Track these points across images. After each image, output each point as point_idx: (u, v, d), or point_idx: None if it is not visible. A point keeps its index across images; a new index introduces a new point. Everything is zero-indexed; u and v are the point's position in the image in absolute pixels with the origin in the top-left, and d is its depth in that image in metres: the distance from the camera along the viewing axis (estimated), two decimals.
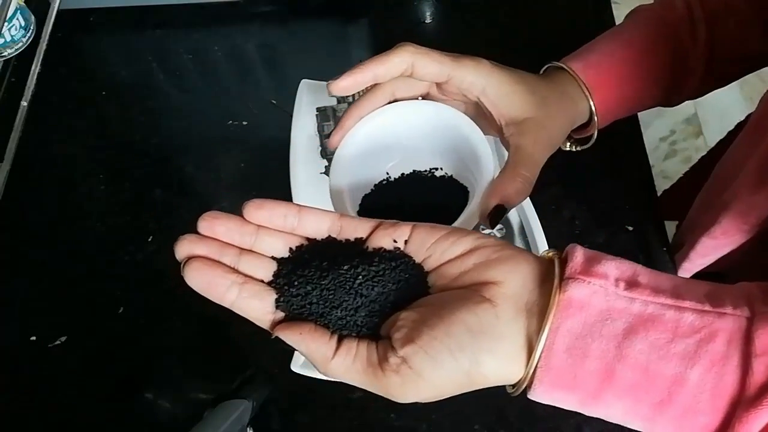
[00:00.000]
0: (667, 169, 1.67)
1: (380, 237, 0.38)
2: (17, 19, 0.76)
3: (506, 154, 0.49)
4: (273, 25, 0.80)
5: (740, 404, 0.32)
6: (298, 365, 0.57)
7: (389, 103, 0.50)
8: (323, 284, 0.36)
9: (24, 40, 0.78)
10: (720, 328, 0.33)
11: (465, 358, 0.33)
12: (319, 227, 0.38)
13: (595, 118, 0.53)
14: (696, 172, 0.85)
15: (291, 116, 0.68)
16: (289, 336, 0.34)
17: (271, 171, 0.69)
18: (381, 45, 0.80)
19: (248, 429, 0.55)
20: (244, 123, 0.73)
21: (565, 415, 0.57)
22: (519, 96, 0.48)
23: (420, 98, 0.51)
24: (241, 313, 0.36)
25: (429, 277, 0.37)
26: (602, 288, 0.34)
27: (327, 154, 0.68)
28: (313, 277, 0.36)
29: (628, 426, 0.36)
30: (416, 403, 0.34)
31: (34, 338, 0.64)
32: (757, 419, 0.31)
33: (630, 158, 0.65)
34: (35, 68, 0.76)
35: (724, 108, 1.62)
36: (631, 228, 0.64)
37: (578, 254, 0.35)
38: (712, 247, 0.59)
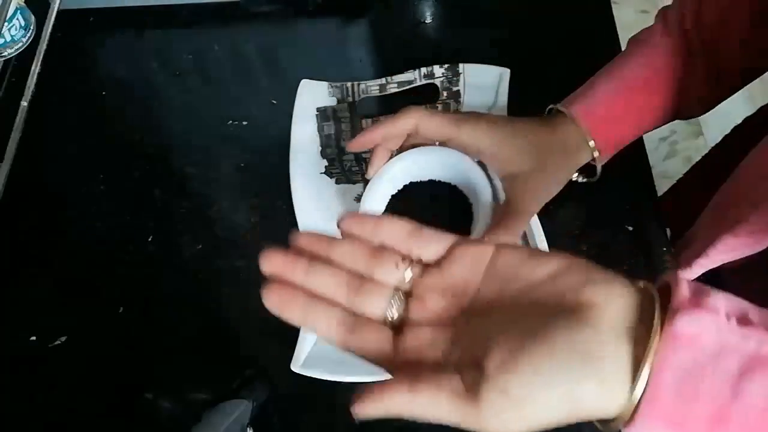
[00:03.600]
0: (667, 170, 1.67)
1: (461, 256, 0.37)
2: (17, 19, 0.76)
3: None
4: (273, 25, 0.80)
5: None
6: (298, 365, 0.57)
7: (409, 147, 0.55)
8: None
9: (24, 40, 0.78)
10: None
11: (566, 381, 0.31)
12: (395, 236, 0.38)
13: (596, 159, 0.56)
14: (696, 172, 0.85)
15: (291, 116, 0.68)
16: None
17: (271, 171, 0.69)
18: (381, 45, 0.81)
19: (248, 429, 0.55)
20: (244, 123, 0.73)
21: None
22: (514, 152, 0.52)
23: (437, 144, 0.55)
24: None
25: (516, 299, 0.36)
26: (714, 323, 0.31)
27: (326, 154, 0.68)
28: None
29: None
30: None
31: (34, 338, 0.64)
32: None
33: (630, 158, 0.64)
34: (35, 68, 0.76)
35: (724, 108, 1.60)
36: (631, 228, 0.64)
37: (683, 285, 0.33)
38: (734, 245, 0.58)
